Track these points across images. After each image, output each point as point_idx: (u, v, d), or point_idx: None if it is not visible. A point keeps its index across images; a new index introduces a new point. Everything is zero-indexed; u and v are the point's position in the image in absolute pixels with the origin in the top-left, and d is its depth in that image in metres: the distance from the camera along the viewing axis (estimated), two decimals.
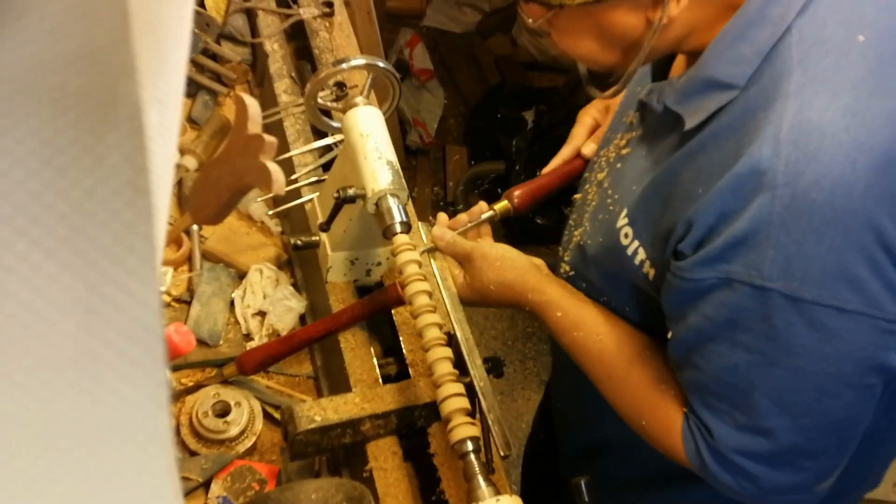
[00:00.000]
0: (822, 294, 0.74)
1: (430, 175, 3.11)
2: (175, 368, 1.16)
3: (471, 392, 0.94)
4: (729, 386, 0.83)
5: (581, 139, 1.23)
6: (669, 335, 0.89)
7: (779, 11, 0.78)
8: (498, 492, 0.84)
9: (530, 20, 0.86)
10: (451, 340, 1.00)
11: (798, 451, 0.83)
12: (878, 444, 0.98)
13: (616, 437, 1.09)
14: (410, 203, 1.06)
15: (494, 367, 1.09)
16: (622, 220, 0.94)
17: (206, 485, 1.06)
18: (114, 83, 0.30)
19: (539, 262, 1.08)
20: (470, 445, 0.87)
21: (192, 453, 1.09)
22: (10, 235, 0.27)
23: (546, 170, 1.24)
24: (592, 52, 0.87)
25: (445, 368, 0.91)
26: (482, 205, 1.15)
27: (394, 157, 1.05)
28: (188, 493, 1.05)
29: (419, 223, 1.18)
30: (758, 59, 0.79)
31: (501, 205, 1.16)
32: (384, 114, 1.13)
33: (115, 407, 0.27)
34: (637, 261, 0.92)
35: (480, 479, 0.85)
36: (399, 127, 2.91)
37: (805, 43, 0.77)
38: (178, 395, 1.13)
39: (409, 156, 3.09)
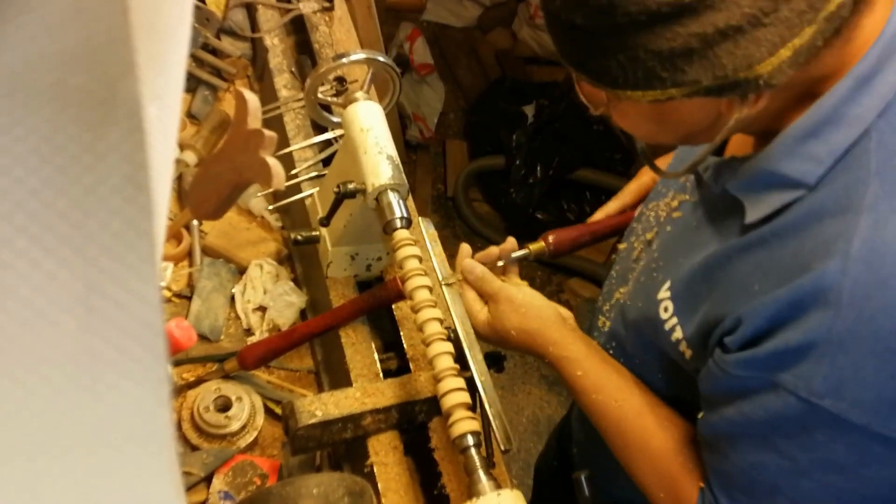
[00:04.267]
0: (872, 421, 0.70)
1: (430, 170, 3.11)
2: (176, 363, 1.16)
3: (471, 387, 0.94)
4: (754, 482, 0.80)
5: (632, 198, 1.20)
6: (701, 415, 0.87)
7: (857, 111, 0.71)
8: (499, 486, 0.85)
9: (589, 103, 0.81)
10: (452, 335, 1.00)
11: None
12: None
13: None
14: (411, 198, 1.06)
15: (495, 361, 1.09)
16: (664, 293, 0.91)
17: (207, 479, 1.06)
18: (113, 80, 0.30)
19: (567, 313, 1.05)
20: (471, 440, 0.87)
21: (194, 448, 1.09)
22: (10, 232, 0.27)
23: (592, 219, 1.22)
24: (653, 134, 0.83)
25: (446, 363, 0.91)
26: (512, 242, 1.12)
27: (394, 152, 1.05)
28: (190, 488, 1.05)
29: (419, 218, 1.18)
30: (830, 160, 0.73)
31: (537, 246, 1.15)
32: (384, 108, 1.13)
33: (116, 403, 0.27)
34: (674, 338, 0.89)
35: (481, 473, 0.85)
36: (399, 122, 2.91)
37: (884, 150, 0.71)
38: (180, 390, 1.13)
39: (409, 150, 3.09)
